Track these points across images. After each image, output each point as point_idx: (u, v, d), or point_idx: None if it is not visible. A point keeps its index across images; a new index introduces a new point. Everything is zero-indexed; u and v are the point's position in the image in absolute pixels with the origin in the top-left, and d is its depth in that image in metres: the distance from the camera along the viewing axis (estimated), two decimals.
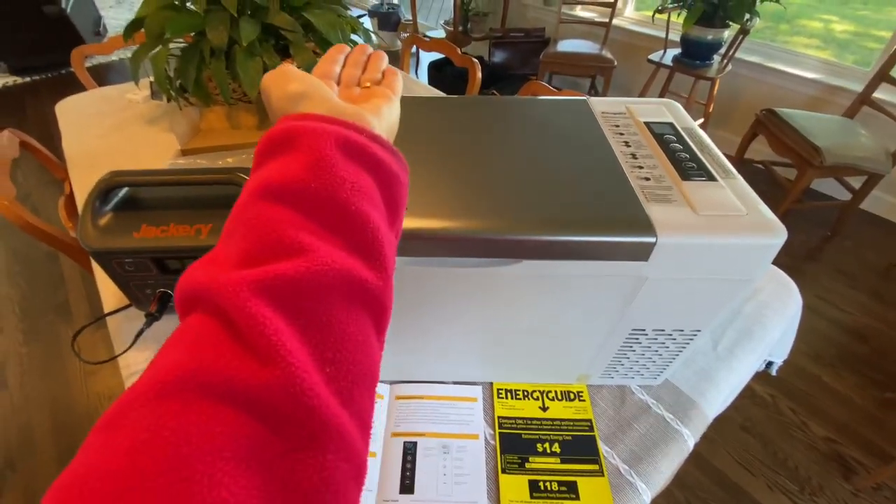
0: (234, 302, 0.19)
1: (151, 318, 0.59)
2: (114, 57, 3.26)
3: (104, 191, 0.56)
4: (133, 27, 0.93)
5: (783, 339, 0.74)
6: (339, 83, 0.33)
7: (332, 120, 0.25)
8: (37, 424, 1.26)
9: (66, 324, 1.52)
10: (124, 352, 0.59)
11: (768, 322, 0.66)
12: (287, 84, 0.28)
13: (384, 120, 0.29)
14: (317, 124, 0.25)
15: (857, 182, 1.76)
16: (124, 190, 0.60)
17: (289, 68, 0.29)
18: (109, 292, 0.68)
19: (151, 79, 1.14)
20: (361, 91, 0.33)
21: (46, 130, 2.49)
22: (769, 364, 0.80)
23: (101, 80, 2.97)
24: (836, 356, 1.43)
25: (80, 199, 0.88)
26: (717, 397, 0.58)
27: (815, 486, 1.12)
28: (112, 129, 1.07)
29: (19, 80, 3.04)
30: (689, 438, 0.53)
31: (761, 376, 1.35)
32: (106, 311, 0.65)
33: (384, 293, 0.24)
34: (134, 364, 0.59)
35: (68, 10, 2.98)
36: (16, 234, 1.85)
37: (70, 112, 1.15)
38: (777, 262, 0.75)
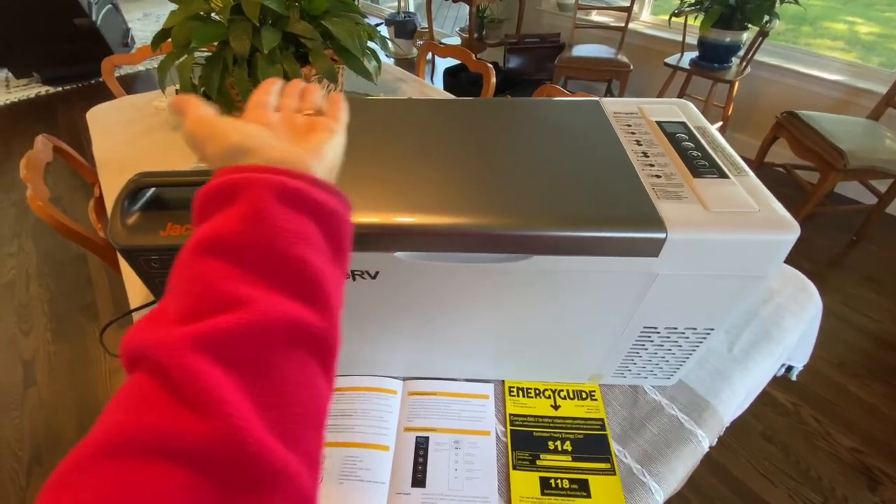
0: (173, 360, 0.20)
1: None
2: (141, 67, 3.38)
3: (132, 191, 0.58)
4: (161, 37, 0.97)
5: (802, 343, 0.72)
6: (277, 111, 0.34)
7: (270, 169, 0.26)
8: (63, 420, 1.31)
9: (92, 323, 1.58)
10: None
11: (786, 324, 0.65)
12: (224, 139, 0.28)
13: (325, 159, 0.30)
14: (254, 175, 0.25)
15: (882, 185, 1.72)
16: (151, 190, 0.62)
17: (219, 123, 0.29)
18: (136, 290, 0.70)
19: (177, 86, 1.18)
20: (304, 120, 0.33)
21: (77, 137, 2.59)
22: (789, 369, 0.78)
23: (128, 88, 3.08)
24: (862, 364, 1.38)
25: (109, 202, 0.91)
26: (733, 399, 0.57)
27: (840, 498, 1.09)
28: (139, 135, 1.11)
29: (51, 89, 3.18)
30: (704, 440, 0.53)
31: (783, 384, 1.32)
32: (132, 307, 0.68)
33: (328, 333, 0.24)
34: None
35: (98, 22, 3.11)
36: (47, 236, 1.93)
37: (100, 119, 1.20)
38: (800, 267, 0.74)
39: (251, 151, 0.28)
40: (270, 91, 0.35)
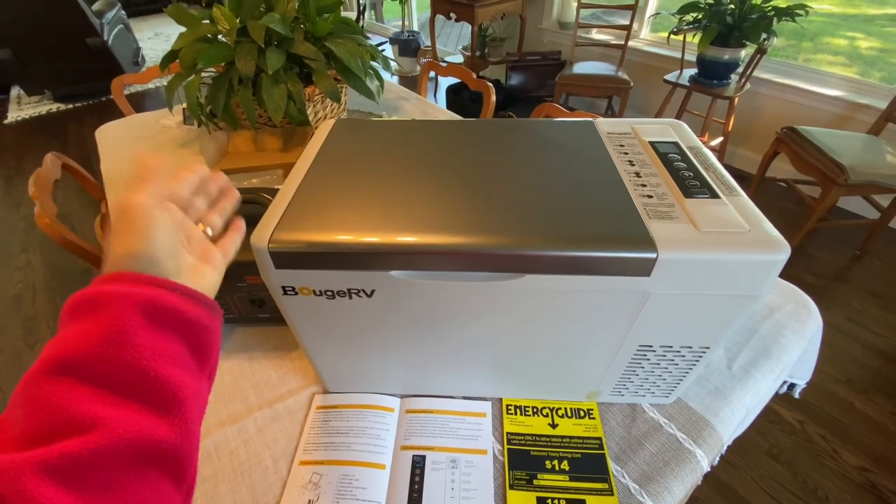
0: (13, 486, 0.19)
1: None
2: (150, 85, 3.46)
3: None
4: (169, 58, 1.00)
5: (804, 360, 0.72)
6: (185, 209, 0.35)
7: (147, 279, 0.27)
8: None
9: None
10: None
11: (786, 342, 0.65)
12: (129, 239, 0.29)
13: (204, 284, 0.32)
14: (126, 288, 0.26)
15: (884, 200, 1.71)
16: None
17: (154, 215, 0.30)
18: None
19: (184, 105, 1.21)
20: (201, 241, 0.34)
21: (86, 154, 2.64)
22: (791, 386, 0.77)
23: (138, 106, 3.15)
24: (868, 381, 1.36)
25: None
26: (733, 418, 0.57)
27: None
28: (147, 152, 1.13)
29: (63, 106, 3.25)
30: (703, 459, 0.53)
31: (789, 400, 1.30)
32: None
33: (182, 446, 0.25)
34: None
35: (110, 42, 3.19)
36: (55, 251, 1.95)
37: (109, 137, 1.22)
38: (803, 281, 0.74)
39: (143, 261, 0.28)
40: (191, 183, 0.36)
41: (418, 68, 3.41)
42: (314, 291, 0.42)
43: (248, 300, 0.63)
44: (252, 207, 0.58)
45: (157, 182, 0.33)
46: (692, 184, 0.44)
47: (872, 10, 4.26)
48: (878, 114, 1.76)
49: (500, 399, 0.58)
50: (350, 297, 0.43)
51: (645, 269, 0.38)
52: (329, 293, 0.43)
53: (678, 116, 2.24)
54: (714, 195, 0.43)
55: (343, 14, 1.09)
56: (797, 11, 1.76)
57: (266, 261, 0.40)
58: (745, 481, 1.14)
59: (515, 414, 0.56)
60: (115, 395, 0.24)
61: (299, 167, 0.48)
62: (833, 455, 1.19)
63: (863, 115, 1.91)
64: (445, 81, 3.11)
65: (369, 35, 1.20)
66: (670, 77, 2.15)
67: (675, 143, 0.51)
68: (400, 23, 3.70)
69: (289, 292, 0.43)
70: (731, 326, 0.44)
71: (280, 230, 0.40)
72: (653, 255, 0.37)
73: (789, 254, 0.37)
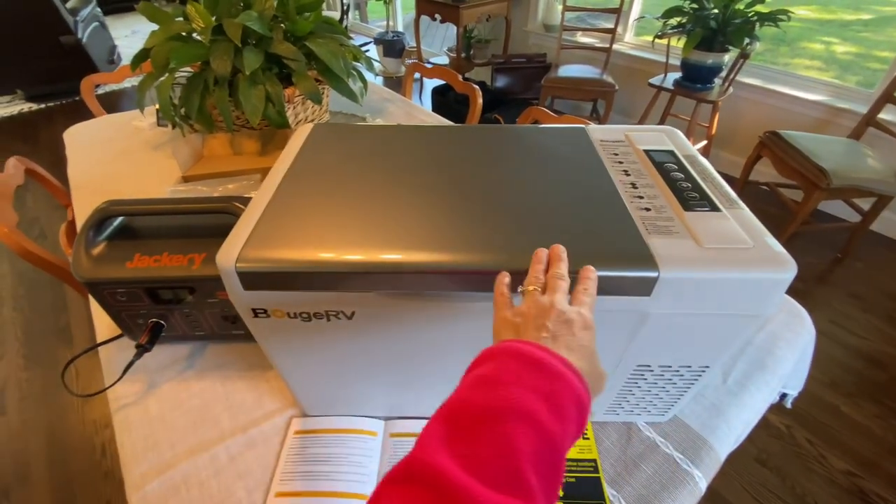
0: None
1: (142, 350, 0.58)
2: (126, 84, 3.35)
3: (99, 220, 0.55)
4: (140, 57, 0.95)
5: (797, 370, 0.71)
6: None
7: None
8: (32, 452, 1.24)
9: (66, 348, 1.51)
10: (112, 385, 0.58)
11: (780, 353, 0.64)
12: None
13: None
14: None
15: (865, 203, 1.74)
16: (120, 219, 0.59)
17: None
18: (103, 321, 0.66)
19: (157, 106, 1.16)
20: None
21: (57, 156, 2.53)
22: (783, 396, 0.76)
23: (113, 107, 3.04)
24: (853, 384, 1.37)
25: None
26: (729, 434, 0.55)
27: None
28: (118, 156, 1.08)
29: (34, 106, 3.12)
30: (701, 480, 0.50)
31: (775, 406, 1.30)
32: (100, 339, 0.64)
33: None
34: (123, 397, 0.57)
35: (84, 40, 3.08)
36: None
37: (78, 138, 1.17)
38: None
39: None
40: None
41: (403, 69, 3.38)
42: (288, 314, 0.39)
43: (220, 316, 0.59)
44: (222, 218, 0.54)
45: None
46: (691, 196, 0.42)
47: (848, 16, 4.38)
48: (858, 118, 1.78)
49: None
50: (328, 320, 0.40)
51: (645, 288, 0.36)
52: (305, 315, 0.39)
53: (662, 120, 2.25)
54: (714, 208, 0.40)
55: (326, 14, 1.05)
56: (780, 17, 1.78)
57: (234, 282, 0.36)
58: (733, 487, 1.13)
59: None
60: (546, 479, 0.24)
61: (272, 177, 0.45)
62: (820, 460, 1.19)
63: (843, 119, 1.94)
64: (430, 83, 3.08)
65: (353, 35, 1.17)
66: (655, 81, 2.16)
67: (671, 152, 0.48)
68: (384, 23, 3.66)
69: (260, 315, 0.39)
70: (732, 346, 0.42)
71: (249, 247, 0.36)
72: (654, 274, 0.35)
73: (796, 272, 0.35)
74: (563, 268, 0.33)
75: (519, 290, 0.33)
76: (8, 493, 1.16)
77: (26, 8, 2.80)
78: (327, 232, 0.38)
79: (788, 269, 0.35)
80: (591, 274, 0.33)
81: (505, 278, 0.34)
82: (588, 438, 0.53)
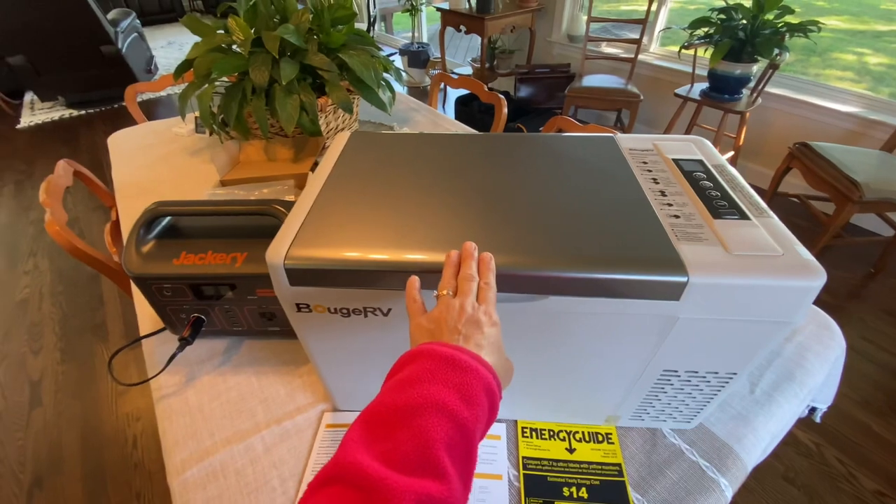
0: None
1: (184, 343, 0.61)
2: (163, 93, 3.49)
3: (149, 220, 0.59)
4: (183, 68, 1.01)
5: (827, 384, 0.70)
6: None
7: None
8: (66, 443, 1.29)
9: (101, 343, 1.58)
10: (157, 375, 0.61)
11: (810, 365, 0.63)
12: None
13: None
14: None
15: None
16: (167, 219, 0.63)
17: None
18: (146, 315, 0.70)
19: (196, 114, 1.21)
20: None
21: (97, 160, 2.66)
22: (813, 410, 0.75)
23: (149, 114, 3.18)
24: (885, 403, 1.33)
25: (125, 225, 0.93)
26: (757, 444, 0.55)
27: None
28: (158, 161, 1.13)
29: (75, 112, 3.29)
30: (727, 489, 0.50)
31: (805, 422, 1.27)
32: (142, 333, 0.68)
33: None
34: (165, 387, 0.61)
35: (124, 50, 3.23)
36: (63, 255, 1.96)
37: (121, 144, 1.23)
38: (818, 300, 0.72)
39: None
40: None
41: (428, 79, 3.43)
42: (329, 309, 0.41)
43: (258, 313, 0.62)
44: (263, 219, 0.57)
45: None
46: (720, 204, 0.43)
47: (881, 27, 4.27)
48: (891, 130, 1.74)
49: (516, 421, 0.56)
50: (365, 316, 0.42)
51: (674, 293, 0.37)
52: (344, 311, 0.41)
53: (689, 130, 2.23)
54: (743, 216, 0.41)
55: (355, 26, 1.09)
56: (809, 28, 1.75)
57: (281, 277, 0.39)
58: None
59: (531, 437, 0.54)
60: (460, 463, 0.26)
61: (315, 181, 0.47)
62: (850, 479, 1.15)
63: (875, 131, 1.89)
64: (454, 93, 3.12)
65: (380, 46, 1.21)
66: (681, 91, 2.14)
67: (700, 161, 0.49)
68: (409, 34, 3.73)
69: (303, 309, 0.42)
70: (761, 353, 0.42)
71: (296, 246, 0.39)
72: (683, 279, 0.36)
73: (825, 280, 0.36)
74: (472, 266, 0.35)
75: (434, 294, 0.35)
76: (41, 481, 1.21)
77: (68, 18, 2.95)
78: (366, 233, 0.40)
79: (818, 277, 0.35)
80: (490, 263, 0.36)
81: (416, 283, 0.36)
82: (612, 443, 0.53)
